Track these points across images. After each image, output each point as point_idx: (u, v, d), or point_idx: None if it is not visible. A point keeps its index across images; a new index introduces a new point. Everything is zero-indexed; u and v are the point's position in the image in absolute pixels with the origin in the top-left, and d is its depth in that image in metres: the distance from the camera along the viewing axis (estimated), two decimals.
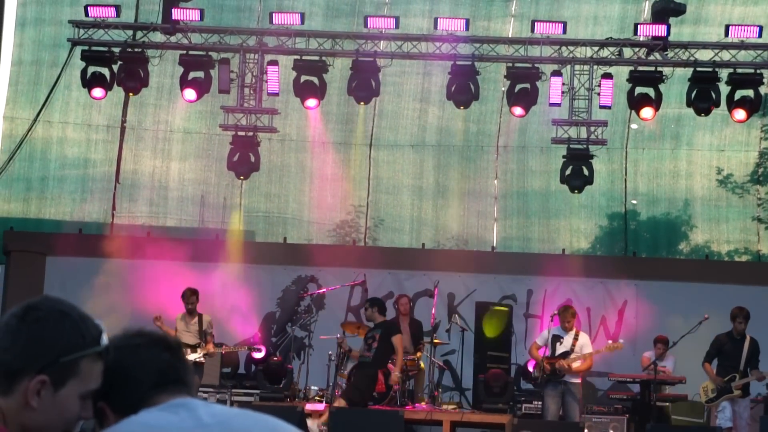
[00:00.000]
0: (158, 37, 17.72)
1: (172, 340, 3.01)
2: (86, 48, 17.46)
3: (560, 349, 15.17)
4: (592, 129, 17.32)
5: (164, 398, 2.83)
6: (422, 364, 16.62)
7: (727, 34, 16.82)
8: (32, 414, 2.67)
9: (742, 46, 16.96)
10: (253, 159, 17.82)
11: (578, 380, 15.25)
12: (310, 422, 14.64)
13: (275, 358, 17.26)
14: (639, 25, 17.50)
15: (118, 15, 17.45)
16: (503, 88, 17.82)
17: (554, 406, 15.15)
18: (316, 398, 16.08)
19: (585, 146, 17.36)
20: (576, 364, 15.09)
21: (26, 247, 19.06)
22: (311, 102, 17.44)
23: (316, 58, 17.47)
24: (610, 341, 16.42)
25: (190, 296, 16.10)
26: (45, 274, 18.88)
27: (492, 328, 16.86)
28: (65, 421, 2.73)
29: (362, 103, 17.81)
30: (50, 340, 2.69)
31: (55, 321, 2.70)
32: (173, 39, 17.59)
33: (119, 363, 2.86)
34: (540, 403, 15.68)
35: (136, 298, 17.34)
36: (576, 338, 15.26)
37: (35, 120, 19.01)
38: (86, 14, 17.45)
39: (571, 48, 17.33)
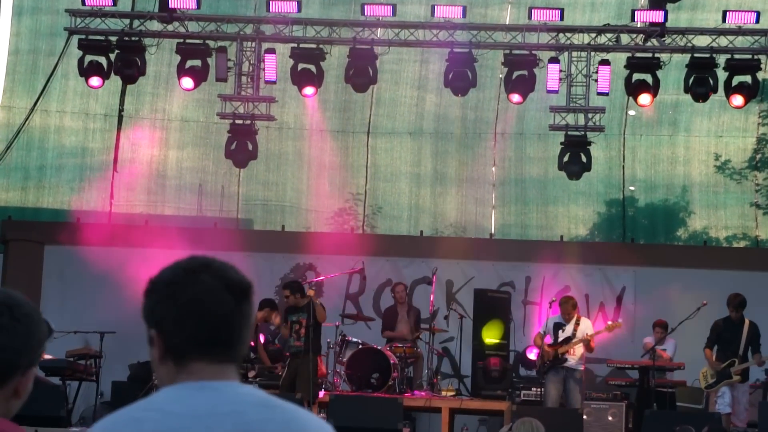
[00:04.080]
0: (155, 25, 17.69)
1: (243, 283, 2.60)
2: (83, 37, 17.44)
3: (562, 336, 15.21)
4: (590, 116, 17.31)
5: (201, 369, 2.58)
6: (421, 351, 16.65)
7: (724, 20, 16.80)
8: (17, 402, 2.76)
9: (739, 31, 16.94)
10: (250, 147, 17.81)
11: (581, 367, 15.28)
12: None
13: (273, 346, 17.29)
14: (636, 12, 17.48)
15: (114, 4, 17.43)
16: (501, 75, 17.80)
17: (555, 392, 15.17)
18: None
19: (583, 133, 17.37)
20: (578, 347, 15.11)
21: (24, 236, 19.05)
22: (309, 90, 17.44)
23: (314, 46, 17.46)
24: (609, 321, 16.40)
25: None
26: (43, 263, 18.87)
27: (492, 334, 16.81)
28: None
29: (359, 91, 17.83)
30: (39, 333, 2.76)
31: (37, 314, 2.77)
32: (170, 27, 17.57)
33: (169, 297, 2.57)
34: (539, 389, 15.72)
35: (133, 286, 17.28)
36: (578, 323, 15.28)
37: (32, 109, 18.97)
38: (83, 3, 17.42)
39: (569, 35, 17.31)
